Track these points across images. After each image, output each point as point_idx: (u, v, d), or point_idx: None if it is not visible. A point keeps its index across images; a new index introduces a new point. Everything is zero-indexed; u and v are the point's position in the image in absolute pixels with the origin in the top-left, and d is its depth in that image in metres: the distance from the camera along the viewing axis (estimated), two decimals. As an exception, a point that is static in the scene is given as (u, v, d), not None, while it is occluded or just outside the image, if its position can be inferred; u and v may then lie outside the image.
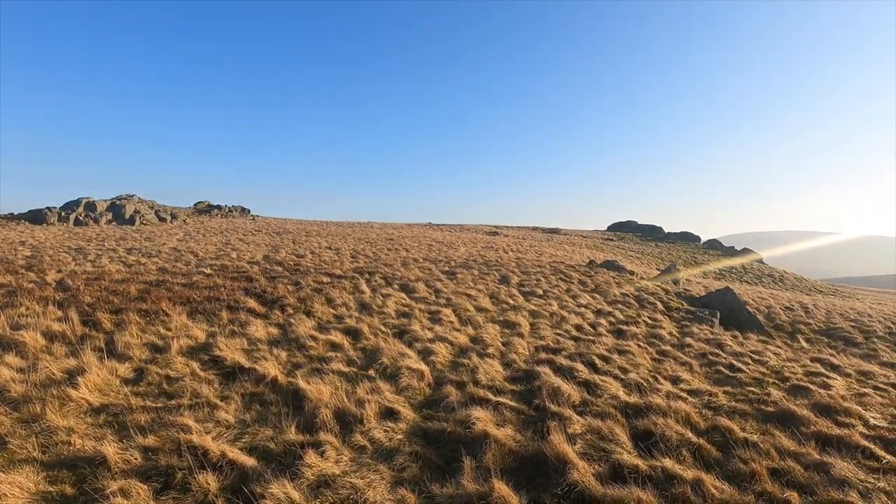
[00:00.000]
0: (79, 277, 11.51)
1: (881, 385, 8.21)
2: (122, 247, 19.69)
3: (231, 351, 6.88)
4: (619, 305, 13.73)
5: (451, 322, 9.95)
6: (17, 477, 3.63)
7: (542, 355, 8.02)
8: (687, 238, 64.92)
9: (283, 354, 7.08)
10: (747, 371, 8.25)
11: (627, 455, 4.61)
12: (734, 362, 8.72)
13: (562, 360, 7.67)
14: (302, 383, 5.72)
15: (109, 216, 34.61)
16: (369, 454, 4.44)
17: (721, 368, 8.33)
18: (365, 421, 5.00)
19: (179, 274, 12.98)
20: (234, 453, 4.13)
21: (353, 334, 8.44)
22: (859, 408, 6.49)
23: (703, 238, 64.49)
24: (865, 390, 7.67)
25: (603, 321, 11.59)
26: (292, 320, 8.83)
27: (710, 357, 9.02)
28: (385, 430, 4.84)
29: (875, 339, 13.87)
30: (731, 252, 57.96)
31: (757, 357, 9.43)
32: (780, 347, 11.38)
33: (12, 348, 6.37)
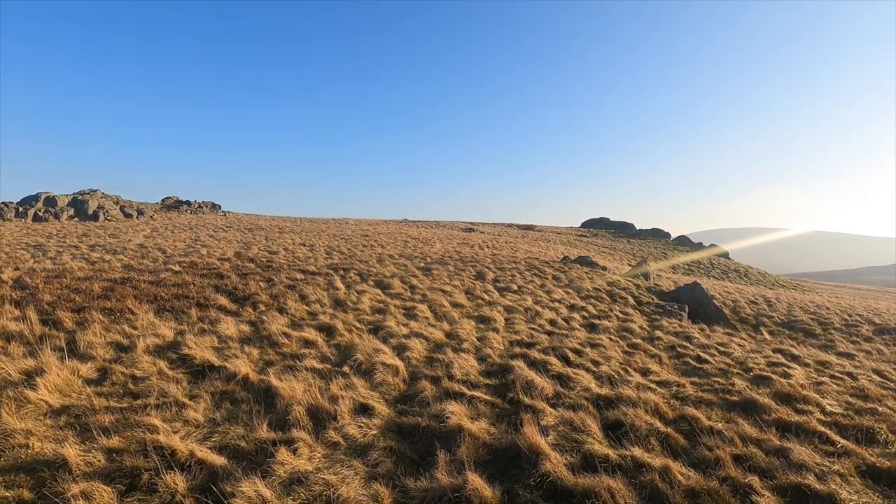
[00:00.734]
0: (38, 275, 11.03)
1: (837, 374, 8.61)
2: (85, 243, 18.96)
3: (201, 349, 6.72)
4: (592, 300, 13.98)
5: (427, 318, 9.94)
6: (-31, 482, 3.46)
7: (517, 349, 8.10)
8: (658, 234, 66.47)
9: (255, 352, 6.95)
10: (713, 362, 8.52)
11: (599, 445, 4.71)
12: (701, 354, 8.99)
13: (536, 353, 7.77)
14: (274, 381, 5.63)
15: (71, 212, 33.26)
16: (343, 450, 4.41)
17: (689, 360, 8.58)
18: (339, 417, 4.95)
19: (146, 271, 12.59)
20: (204, 452, 4.04)
21: (328, 331, 8.35)
22: (817, 396, 6.78)
23: (673, 234, 66.15)
24: (823, 379, 8.02)
25: (576, 315, 11.78)
26: (264, 318, 8.68)
27: (679, 349, 9.28)
28: (359, 426, 4.80)
29: (832, 331, 14.52)
30: (699, 248, 59.64)
31: (723, 349, 9.75)
32: (744, 339, 11.80)
33: (-35, 349, 6.07)
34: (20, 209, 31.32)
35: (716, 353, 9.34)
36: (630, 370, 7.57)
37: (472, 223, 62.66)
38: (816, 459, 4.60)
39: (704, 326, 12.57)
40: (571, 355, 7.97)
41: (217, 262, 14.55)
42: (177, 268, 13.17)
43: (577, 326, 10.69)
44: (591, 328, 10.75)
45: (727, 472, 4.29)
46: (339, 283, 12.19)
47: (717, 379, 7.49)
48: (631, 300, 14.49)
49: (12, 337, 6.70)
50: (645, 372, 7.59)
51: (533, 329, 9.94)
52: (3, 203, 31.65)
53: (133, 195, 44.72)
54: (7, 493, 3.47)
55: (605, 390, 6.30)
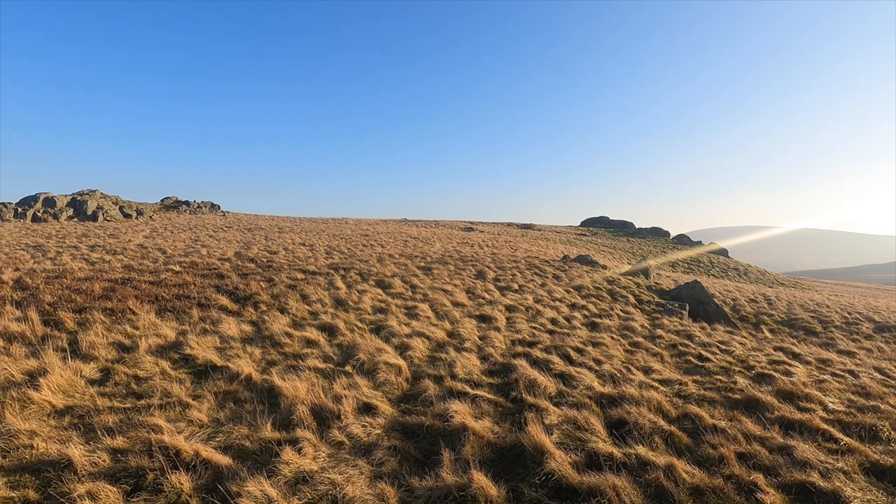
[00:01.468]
0: (38, 276, 11.01)
1: (838, 372, 8.61)
2: (85, 244, 18.93)
3: (203, 349, 6.71)
4: (593, 299, 13.99)
5: (428, 317, 9.94)
6: (-25, 483, 3.46)
7: (519, 348, 8.10)
8: (657, 233, 66.54)
9: (257, 352, 6.95)
10: (715, 360, 8.53)
11: (602, 443, 4.71)
12: (703, 352, 9.00)
13: (538, 352, 7.77)
14: (277, 380, 5.63)
15: (70, 212, 33.21)
16: (347, 449, 4.41)
17: (690, 358, 8.58)
18: (342, 417, 4.95)
19: (147, 271, 12.58)
20: (209, 452, 4.03)
21: (329, 330, 8.34)
22: (819, 393, 6.79)
23: (673, 233, 66.22)
24: (824, 377, 8.03)
25: (577, 314, 11.79)
26: (266, 317, 8.67)
27: (680, 348, 9.29)
28: (363, 426, 4.80)
29: (833, 329, 14.55)
30: (698, 246, 59.70)
31: (724, 347, 9.75)
32: (745, 338, 11.81)
33: (-33, 350, 6.06)
34: (19, 210, 31.27)
35: (717, 351, 9.35)
36: (632, 369, 7.58)
37: (471, 222, 62.68)
38: (820, 457, 4.60)
39: (705, 325, 12.58)
40: (573, 354, 7.98)
41: (217, 263, 14.54)
42: (177, 268, 13.15)
43: (579, 325, 10.70)
44: (593, 327, 10.76)
45: (731, 470, 4.29)
46: (339, 283, 12.18)
47: (720, 377, 7.49)
48: (632, 299, 14.51)
49: (14, 338, 6.70)
50: (647, 370, 7.60)
51: (534, 328, 9.94)
52: (1, 204, 31.60)
53: (132, 196, 44.66)
54: (13, 494, 3.47)
55: (607, 389, 6.30)
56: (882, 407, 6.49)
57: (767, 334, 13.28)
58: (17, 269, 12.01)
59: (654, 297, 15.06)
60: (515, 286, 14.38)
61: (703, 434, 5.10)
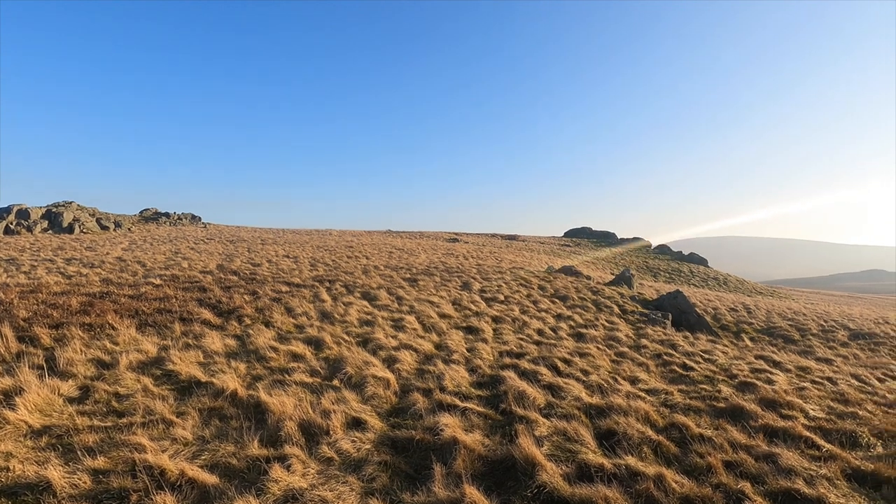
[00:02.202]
0: (12, 290, 10.67)
1: (817, 379, 8.82)
2: (61, 257, 18.44)
3: (186, 364, 6.57)
4: (578, 309, 14.11)
5: (415, 329, 9.90)
6: (-53, 509, 3.31)
7: (507, 360, 8.12)
8: (639, 244, 67.54)
9: (242, 367, 6.82)
10: (699, 369, 8.66)
11: (593, 455, 4.74)
12: (687, 362, 9.13)
13: (525, 364, 7.79)
14: (264, 396, 5.53)
15: (45, 224, 32.33)
16: (337, 465, 4.34)
17: (675, 368, 8.70)
18: (331, 432, 4.88)
19: (126, 285, 12.29)
20: (194, 471, 3.93)
21: (316, 344, 8.24)
22: (800, 401, 6.94)
23: (654, 243, 67.32)
24: (804, 384, 8.21)
25: (563, 325, 11.87)
26: (250, 331, 8.53)
27: (665, 357, 9.41)
28: (352, 441, 4.74)
29: (810, 337, 14.91)
30: (679, 257, 60.77)
31: (707, 356, 9.92)
32: (727, 346, 12.04)
33: (-63, 368, 5.83)
34: (-9, 222, 30.31)
35: (700, 360, 9.49)
36: (619, 379, 7.64)
37: (455, 233, 62.83)
38: (804, 464, 4.70)
39: (688, 334, 12.78)
40: (561, 365, 8.02)
41: (199, 275, 14.29)
42: (157, 281, 12.89)
43: (565, 336, 10.77)
44: (579, 337, 10.84)
45: (719, 479, 4.35)
46: (325, 296, 12.07)
47: (704, 386, 7.61)
48: (616, 309, 14.67)
49: (-13, 355, 6.46)
50: (633, 380, 7.67)
51: (521, 339, 9.98)
52: (-28, 216, 30.61)
53: (110, 208, 43.72)
54: (-12, 519, 3.33)
55: (595, 399, 6.34)
56: (861, 413, 6.66)
57: (748, 343, 13.54)
58: (-11, 284, 11.62)
59: (637, 307, 15.25)
60: (501, 297, 14.43)
61: (691, 443, 5.16)
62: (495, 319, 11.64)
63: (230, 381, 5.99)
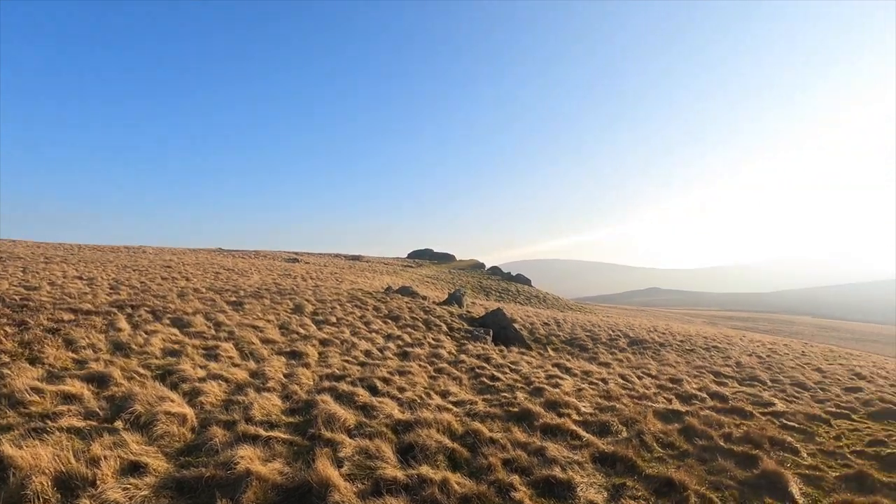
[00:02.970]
0: None
1: (595, 380, 10.58)
2: None
3: None
4: (409, 329, 14.66)
5: (231, 357, 9.21)
6: None
7: (326, 384, 8.05)
8: (475, 266, 73.04)
9: (-14, 416, 5.56)
10: (504, 379, 9.70)
11: (391, 469, 4.98)
12: (495, 373, 10.16)
13: (345, 386, 7.84)
14: (8, 449, 4.59)
15: None
16: (100, 520, 3.82)
17: (485, 379, 9.61)
18: (98, 482, 4.28)
19: None
20: None
21: (100, 381, 7.11)
22: (576, 400, 8.25)
23: (488, 264, 73.45)
24: (584, 386, 9.78)
25: (391, 345, 12.21)
26: (7, 371, 7.00)
27: (478, 370, 10.33)
28: (124, 489, 4.22)
29: (599, 345, 17.76)
30: (508, 277, 67.23)
31: (514, 367, 11.16)
32: (534, 357, 13.67)
33: None
34: None
35: (508, 371, 10.65)
36: (433, 393, 8.16)
37: (296, 253, 60.11)
38: (564, 453, 5.62)
39: (503, 348, 14.19)
40: (380, 384, 8.24)
41: (-60, 303, 11.22)
42: None
43: (391, 355, 11.09)
44: (404, 356, 11.26)
45: (496, 476, 4.95)
46: (122, 324, 10.50)
47: (505, 394, 8.55)
48: (444, 327, 15.61)
49: None
50: (445, 394, 8.26)
51: (346, 361, 9.99)
52: None
53: None
54: None
55: (406, 415, 6.67)
56: (618, 406, 8.18)
57: (552, 353, 15.58)
58: None
59: (464, 325, 16.45)
60: (334, 319, 14.25)
61: (481, 447, 5.77)
62: (323, 343, 11.45)
63: (-39, 435, 4.84)
